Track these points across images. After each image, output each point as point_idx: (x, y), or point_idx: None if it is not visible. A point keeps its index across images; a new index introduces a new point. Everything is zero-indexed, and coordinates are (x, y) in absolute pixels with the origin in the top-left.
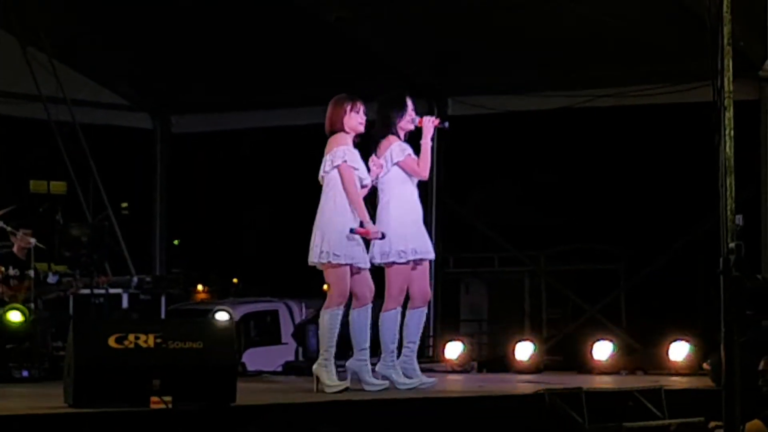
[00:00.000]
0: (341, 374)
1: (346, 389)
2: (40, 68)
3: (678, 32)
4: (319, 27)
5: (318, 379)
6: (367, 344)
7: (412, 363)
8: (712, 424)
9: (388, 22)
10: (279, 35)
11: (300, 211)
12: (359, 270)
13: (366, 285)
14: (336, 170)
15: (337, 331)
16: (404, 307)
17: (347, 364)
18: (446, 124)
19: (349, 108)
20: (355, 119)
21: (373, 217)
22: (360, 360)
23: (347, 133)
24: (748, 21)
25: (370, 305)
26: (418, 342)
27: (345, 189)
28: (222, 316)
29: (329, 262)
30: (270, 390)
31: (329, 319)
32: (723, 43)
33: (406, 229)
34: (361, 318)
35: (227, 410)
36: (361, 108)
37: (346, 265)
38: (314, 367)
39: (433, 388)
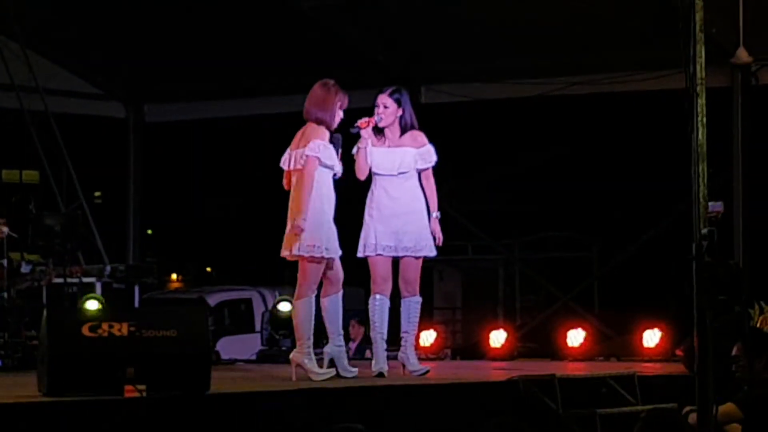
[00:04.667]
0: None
1: (336, 376)
2: (13, 57)
3: (651, 19)
4: (293, 15)
5: (299, 366)
6: (341, 331)
7: (405, 352)
8: (686, 408)
9: (362, 10)
10: (253, 23)
11: (274, 200)
12: (333, 259)
13: (338, 273)
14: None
15: (313, 318)
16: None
17: (325, 349)
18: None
19: (339, 104)
20: (339, 116)
21: None
22: (338, 345)
23: (327, 128)
24: (721, 8)
25: (337, 294)
26: (411, 331)
27: (303, 180)
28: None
29: (316, 255)
30: (251, 378)
31: (307, 308)
32: (695, 29)
33: (376, 224)
34: (334, 305)
35: (202, 398)
36: (345, 103)
37: (329, 258)
38: (293, 354)
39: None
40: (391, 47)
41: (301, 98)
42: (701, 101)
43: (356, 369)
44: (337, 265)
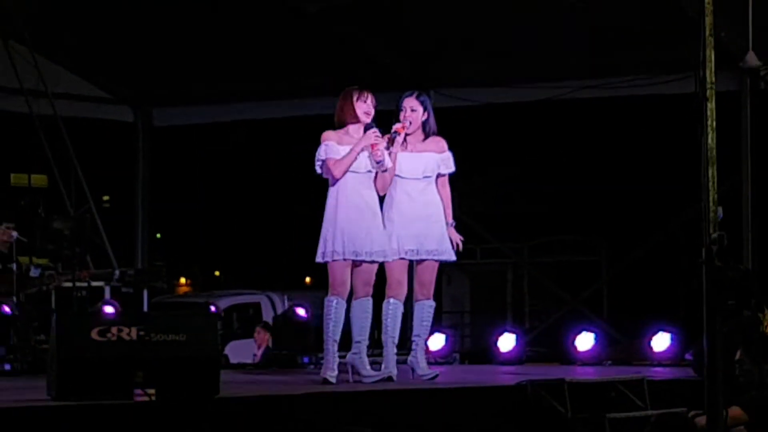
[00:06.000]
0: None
1: (346, 381)
2: (22, 61)
3: (660, 23)
4: (302, 19)
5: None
6: (363, 336)
7: (416, 356)
8: (692, 412)
9: (369, 13)
10: (261, 27)
11: (281, 204)
12: (360, 263)
13: (360, 278)
14: (325, 166)
15: (336, 321)
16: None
17: (347, 358)
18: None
19: (352, 97)
20: (361, 107)
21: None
22: (355, 353)
23: (343, 124)
24: (730, 12)
25: (366, 299)
26: (423, 335)
27: (333, 174)
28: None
29: (326, 261)
30: (259, 382)
31: (328, 308)
32: (705, 34)
33: (398, 228)
34: (356, 310)
35: (210, 402)
36: (369, 98)
37: (343, 260)
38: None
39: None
40: (399, 51)
41: (308, 102)
42: (711, 105)
43: (376, 373)
44: (366, 269)
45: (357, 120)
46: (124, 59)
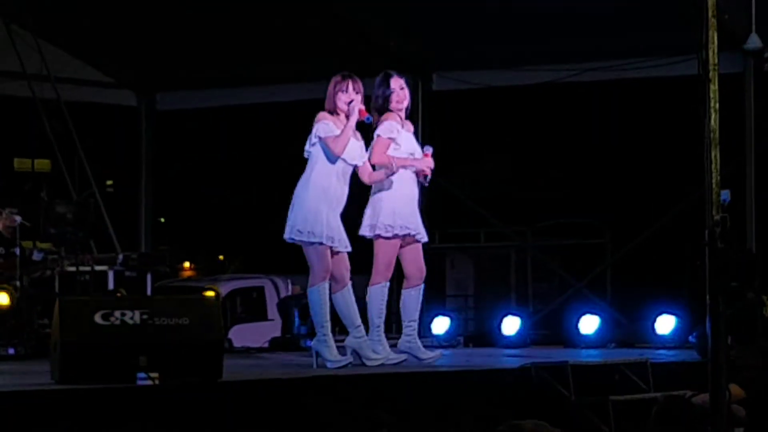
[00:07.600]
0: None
1: (349, 364)
2: (25, 46)
3: (663, 4)
4: (304, 1)
5: (318, 354)
6: (359, 320)
7: (415, 342)
8: (688, 394)
9: None
10: (264, 10)
11: (285, 188)
12: (338, 252)
13: (344, 266)
14: (317, 146)
15: (328, 305)
16: (400, 286)
17: (346, 342)
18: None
19: (333, 86)
20: (341, 98)
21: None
22: (357, 337)
23: (332, 112)
24: None
25: (350, 284)
26: (417, 320)
27: (333, 151)
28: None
29: (309, 242)
30: (263, 365)
31: (318, 296)
32: (708, 15)
33: (395, 205)
34: (345, 300)
35: (214, 386)
36: (349, 86)
37: (325, 244)
38: (313, 342)
39: (403, 364)
40: (402, 34)
41: (311, 86)
42: (714, 87)
43: (381, 356)
44: (343, 257)
45: (340, 112)
46: (128, 43)
